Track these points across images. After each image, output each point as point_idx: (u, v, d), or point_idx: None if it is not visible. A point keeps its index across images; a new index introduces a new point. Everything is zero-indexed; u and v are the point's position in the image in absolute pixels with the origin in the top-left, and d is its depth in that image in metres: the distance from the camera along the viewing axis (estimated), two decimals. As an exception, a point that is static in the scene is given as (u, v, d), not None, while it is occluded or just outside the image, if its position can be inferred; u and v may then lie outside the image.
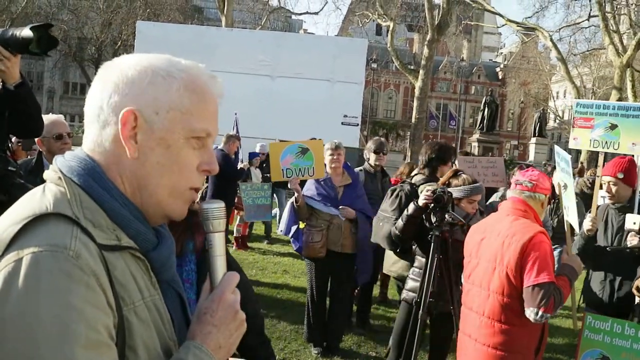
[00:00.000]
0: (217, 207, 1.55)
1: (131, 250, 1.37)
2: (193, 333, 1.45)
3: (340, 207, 6.69)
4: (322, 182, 6.81)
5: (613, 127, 5.46)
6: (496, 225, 4.06)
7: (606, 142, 5.46)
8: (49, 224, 1.26)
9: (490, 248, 4.00)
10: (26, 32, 3.14)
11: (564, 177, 4.67)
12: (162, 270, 1.48)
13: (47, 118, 4.85)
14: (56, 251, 1.20)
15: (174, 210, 1.47)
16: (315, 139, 10.38)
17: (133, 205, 1.41)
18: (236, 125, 12.86)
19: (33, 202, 1.32)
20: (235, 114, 12.67)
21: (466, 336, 4.19)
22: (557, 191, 4.89)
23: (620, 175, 5.22)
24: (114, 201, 1.37)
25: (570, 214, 4.61)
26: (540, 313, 3.72)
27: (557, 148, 5.01)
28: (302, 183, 7.01)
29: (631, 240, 5.06)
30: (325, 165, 6.87)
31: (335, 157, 6.83)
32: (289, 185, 7.00)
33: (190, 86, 1.42)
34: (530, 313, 3.76)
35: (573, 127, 5.77)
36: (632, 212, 5.19)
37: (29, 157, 6.76)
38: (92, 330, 1.20)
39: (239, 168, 10.69)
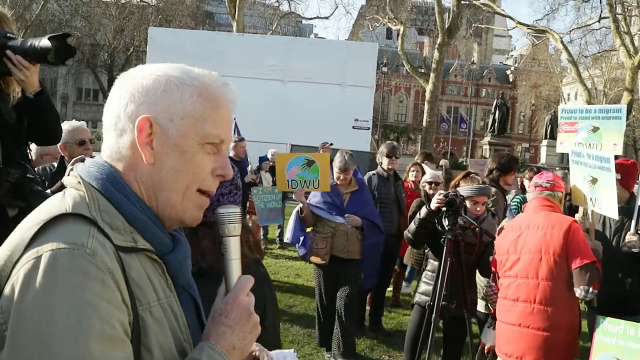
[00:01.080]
0: (233, 212, 1.57)
1: (147, 252, 1.41)
2: (207, 334, 1.47)
3: (346, 215, 6.63)
4: None
5: (595, 129, 5.59)
6: (531, 221, 4.50)
7: (589, 144, 5.56)
8: (68, 223, 1.30)
9: (532, 241, 4.42)
10: (44, 42, 3.18)
11: (592, 172, 4.96)
12: (178, 274, 1.51)
13: (70, 124, 4.94)
14: (73, 249, 1.24)
15: (187, 215, 1.50)
16: (327, 143, 10.35)
17: (150, 210, 1.45)
18: (236, 128, 12.81)
19: (53, 205, 1.36)
20: (234, 118, 12.54)
21: (514, 326, 4.45)
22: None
23: (618, 177, 5.29)
24: (132, 205, 1.41)
25: (598, 205, 4.92)
26: (590, 290, 4.20)
27: (581, 150, 5.23)
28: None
29: (630, 239, 5.09)
30: (331, 176, 6.78)
31: (342, 178, 6.72)
32: (293, 197, 6.93)
33: (204, 93, 1.46)
34: (580, 291, 4.23)
35: (559, 132, 5.92)
36: (630, 214, 5.23)
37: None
38: (106, 325, 1.22)
39: (249, 180, 10.56)
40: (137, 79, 1.46)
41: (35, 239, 1.27)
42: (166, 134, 1.43)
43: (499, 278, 4.73)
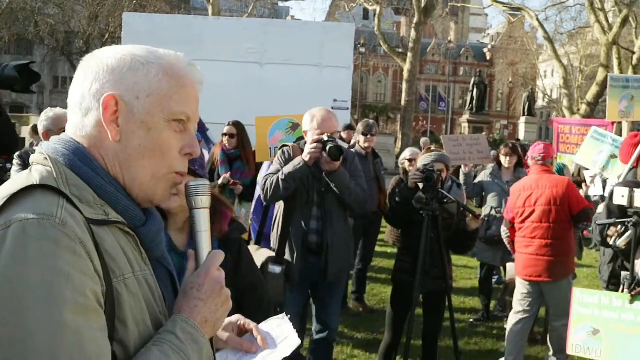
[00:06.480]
0: (202, 184, 1.60)
1: (119, 225, 1.40)
2: (180, 307, 1.49)
3: None
4: None
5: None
6: (539, 183, 5.96)
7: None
8: (35, 195, 1.28)
9: (544, 197, 5.87)
10: (11, 71, 3.19)
11: (614, 151, 7.14)
12: (152, 246, 1.52)
13: (53, 112, 4.97)
14: (42, 219, 1.22)
15: (156, 194, 1.51)
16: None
17: (118, 184, 1.45)
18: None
19: (20, 180, 1.34)
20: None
21: (532, 255, 5.92)
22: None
23: None
24: (101, 179, 1.41)
25: (607, 173, 7.39)
26: (587, 224, 6.13)
27: (607, 133, 6.53)
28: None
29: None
30: None
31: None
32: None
33: (169, 72, 1.48)
34: (582, 226, 6.47)
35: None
36: None
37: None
38: (79, 295, 1.21)
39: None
40: (101, 59, 1.47)
41: (2, 212, 1.26)
42: (132, 111, 1.43)
43: (514, 225, 6.16)
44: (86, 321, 1.22)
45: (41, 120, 4.93)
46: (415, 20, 34.21)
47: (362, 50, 54.67)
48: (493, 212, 7.65)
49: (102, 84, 1.43)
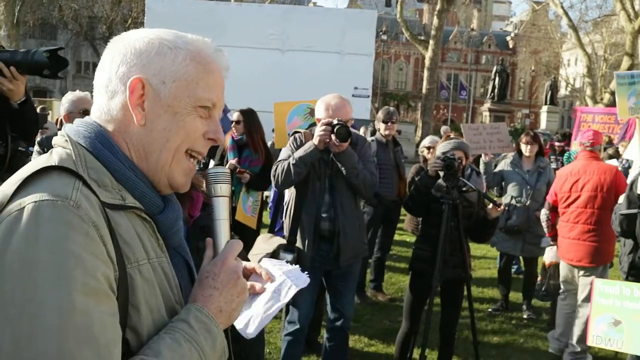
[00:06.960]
0: (222, 172, 1.60)
1: (136, 210, 1.40)
2: (195, 296, 1.47)
3: None
4: None
5: None
6: (587, 169, 6.18)
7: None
8: (52, 176, 1.28)
9: (590, 183, 6.10)
10: (40, 56, 3.19)
11: None
12: (169, 234, 1.51)
13: (73, 94, 5.06)
14: (57, 200, 1.22)
15: (175, 178, 1.50)
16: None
17: (139, 170, 1.45)
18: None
19: (39, 162, 1.35)
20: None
21: (574, 240, 6.17)
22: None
23: None
24: (120, 164, 1.41)
25: None
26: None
27: None
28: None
29: None
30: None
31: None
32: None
33: (196, 57, 1.47)
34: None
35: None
36: None
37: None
38: (90, 278, 1.20)
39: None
40: (129, 42, 1.46)
41: (18, 191, 1.26)
42: (158, 95, 1.43)
43: (555, 209, 6.47)
44: (96, 304, 1.21)
45: (62, 104, 5.02)
46: (437, 7, 33.89)
47: (384, 37, 54.49)
48: (513, 202, 7.59)
49: (129, 67, 1.43)
